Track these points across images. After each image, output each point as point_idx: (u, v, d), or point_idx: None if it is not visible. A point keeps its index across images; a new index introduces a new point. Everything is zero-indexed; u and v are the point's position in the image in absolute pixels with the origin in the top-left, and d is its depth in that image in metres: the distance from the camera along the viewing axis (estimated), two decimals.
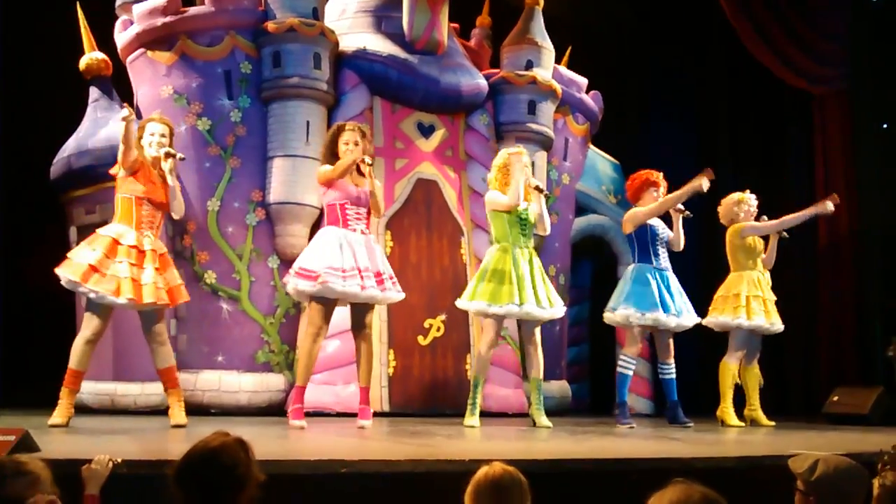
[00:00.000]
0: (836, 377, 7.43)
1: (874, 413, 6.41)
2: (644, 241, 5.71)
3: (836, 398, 6.75)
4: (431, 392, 6.17)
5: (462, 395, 6.25)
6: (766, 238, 6.19)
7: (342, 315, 5.74)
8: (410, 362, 6.14)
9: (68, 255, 4.51)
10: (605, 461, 3.29)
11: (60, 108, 6.46)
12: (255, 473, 2.10)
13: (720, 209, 6.29)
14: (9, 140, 6.37)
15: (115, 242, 4.45)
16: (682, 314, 5.58)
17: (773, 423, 5.94)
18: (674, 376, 5.70)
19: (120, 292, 4.35)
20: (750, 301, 5.94)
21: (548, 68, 7.03)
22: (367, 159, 4.73)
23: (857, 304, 7.76)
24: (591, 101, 7.51)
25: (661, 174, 5.89)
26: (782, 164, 8.50)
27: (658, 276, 5.63)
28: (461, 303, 5.33)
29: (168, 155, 4.60)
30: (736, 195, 6.23)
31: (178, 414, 4.52)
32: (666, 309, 5.52)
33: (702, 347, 7.33)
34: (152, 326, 4.59)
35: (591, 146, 7.75)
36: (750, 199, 6.19)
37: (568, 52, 7.67)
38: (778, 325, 6.04)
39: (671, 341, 5.70)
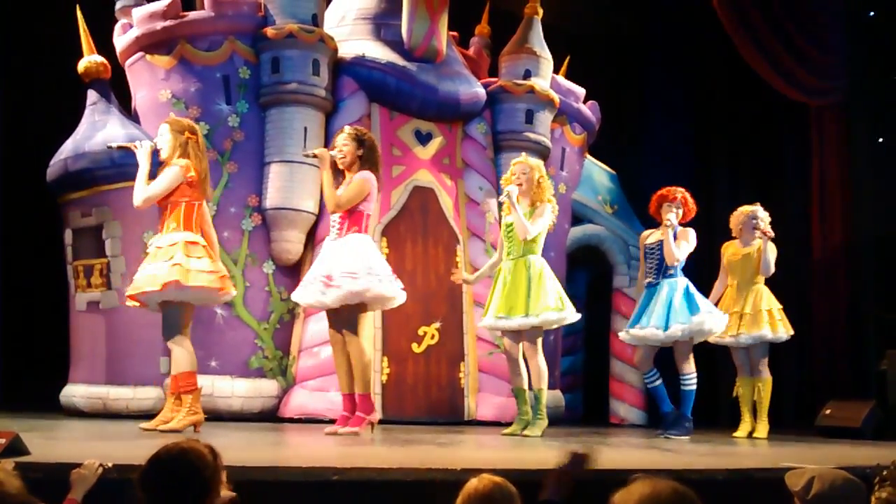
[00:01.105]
0: (829, 390, 7.43)
1: (866, 427, 6.41)
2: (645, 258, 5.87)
3: (828, 411, 6.75)
4: (425, 400, 6.17)
5: (455, 403, 6.25)
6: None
7: None
8: (404, 369, 6.13)
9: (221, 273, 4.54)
10: (597, 472, 3.28)
11: (58, 110, 6.46)
12: (223, 480, 2.09)
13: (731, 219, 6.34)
14: (7, 142, 6.37)
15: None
16: (667, 327, 5.56)
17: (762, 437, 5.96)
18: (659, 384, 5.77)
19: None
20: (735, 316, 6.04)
21: (546, 78, 7.05)
22: (309, 152, 4.86)
23: (850, 317, 7.77)
24: (589, 111, 7.53)
25: (681, 189, 5.90)
26: (778, 175, 8.53)
27: (648, 292, 5.78)
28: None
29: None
30: (748, 208, 6.26)
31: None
32: (645, 323, 5.63)
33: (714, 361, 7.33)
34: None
35: (588, 156, 7.77)
36: (761, 214, 6.19)
37: (566, 62, 7.70)
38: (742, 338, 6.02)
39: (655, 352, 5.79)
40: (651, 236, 5.89)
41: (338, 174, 4.76)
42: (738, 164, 8.69)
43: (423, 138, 6.58)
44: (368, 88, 6.32)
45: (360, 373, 4.60)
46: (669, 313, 5.59)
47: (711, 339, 6.04)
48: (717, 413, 7.81)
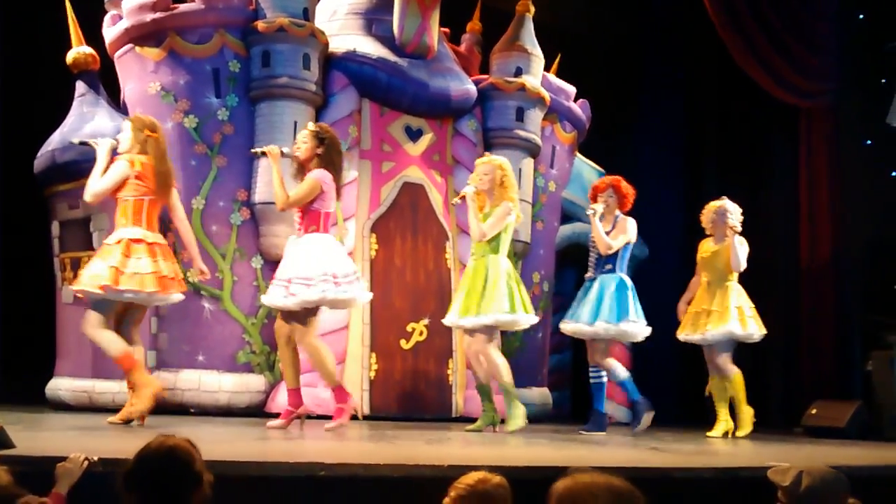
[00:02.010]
0: (816, 390, 7.48)
1: (851, 427, 6.45)
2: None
3: (814, 411, 6.80)
4: (412, 396, 6.16)
5: (443, 399, 6.26)
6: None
7: (323, 317, 5.73)
8: (392, 366, 6.12)
9: (171, 274, 4.52)
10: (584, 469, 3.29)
11: (46, 101, 6.42)
12: (206, 472, 2.10)
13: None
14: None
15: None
16: (593, 322, 5.51)
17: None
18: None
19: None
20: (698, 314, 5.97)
21: (537, 76, 7.05)
22: (258, 149, 4.90)
23: (837, 317, 7.82)
24: (580, 109, 7.54)
25: (614, 178, 5.84)
26: (768, 175, 8.57)
27: (584, 287, 5.73)
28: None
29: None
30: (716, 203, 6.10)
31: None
32: (577, 318, 5.59)
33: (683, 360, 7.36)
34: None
35: (578, 154, 7.78)
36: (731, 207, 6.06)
37: (557, 60, 7.70)
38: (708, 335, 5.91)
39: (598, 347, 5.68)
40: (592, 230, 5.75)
41: (301, 171, 4.76)
42: (728, 165, 8.72)
43: (414, 134, 6.57)
44: (359, 83, 6.30)
45: (321, 369, 4.66)
46: (598, 310, 5.51)
47: (681, 337, 5.99)
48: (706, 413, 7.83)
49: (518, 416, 5.12)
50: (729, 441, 5.70)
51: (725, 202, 6.00)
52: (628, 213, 5.75)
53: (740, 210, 6.00)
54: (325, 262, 4.58)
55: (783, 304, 8.11)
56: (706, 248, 6.07)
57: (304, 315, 4.61)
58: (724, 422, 5.91)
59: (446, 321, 5.41)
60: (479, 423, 5.29)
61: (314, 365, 4.70)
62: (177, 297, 4.62)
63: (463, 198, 5.24)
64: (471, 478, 2.11)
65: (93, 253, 5.79)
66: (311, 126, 4.84)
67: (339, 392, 4.67)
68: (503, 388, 5.18)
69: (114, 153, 4.64)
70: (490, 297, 5.06)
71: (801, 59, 7.95)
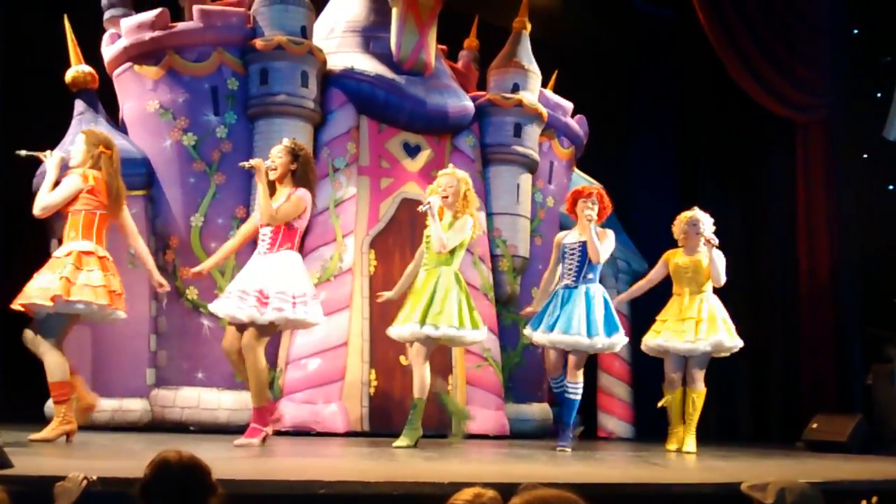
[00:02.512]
0: (816, 404, 7.46)
1: (852, 441, 6.43)
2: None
3: (814, 425, 6.77)
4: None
5: (442, 416, 6.24)
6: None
7: (323, 333, 5.74)
8: (391, 382, 6.11)
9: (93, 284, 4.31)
10: (585, 485, 3.28)
11: (46, 119, 6.43)
12: (219, 486, 2.14)
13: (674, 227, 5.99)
14: None
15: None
16: (568, 332, 5.25)
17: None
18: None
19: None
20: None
21: (534, 91, 7.09)
22: (245, 163, 4.82)
23: (836, 330, 7.81)
24: (577, 125, 7.57)
25: (597, 186, 5.76)
26: (764, 188, 8.58)
27: (564, 294, 5.39)
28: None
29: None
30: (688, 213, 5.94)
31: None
32: (553, 325, 5.29)
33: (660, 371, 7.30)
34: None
35: (576, 170, 7.80)
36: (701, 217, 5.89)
37: (554, 76, 7.74)
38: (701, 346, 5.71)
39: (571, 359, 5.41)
40: (569, 236, 5.53)
41: (272, 186, 4.69)
42: (724, 178, 8.74)
43: (412, 151, 6.59)
44: (357, 101, 6.33)
45: (254, 383, 4.48)
46: (590, 321, 5.26)
47: (659, 343, 5.73)
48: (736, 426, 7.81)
49: (409, 437, 4.89)
50: (729, 456, 5.67)
51: (696, 212, 5.87)
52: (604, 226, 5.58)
53: (712, 220, 5.86)
54: (305, 282, 4.62)
55: (781, 318, 8.10)
56: (680, 259, 5.86)
57: (269, 329, 4.54)
58: (679, 434, 5.71)
59: (390, 332, 5.15)
60: (455, 430, 5.19)
61: (251, 378, 4.50)
62: (121, 314, 4.48)
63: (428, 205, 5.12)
64: (466, 494, 2.10)
65: None
66: (286, 142, 4.77)
67: (261, 413, 4.53)
68: (416, 403, 4.98)
69: (63, 167, 4.57)
70: (440, 308, 4.88)
71: (795, 72, 7.99)
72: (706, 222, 5.82)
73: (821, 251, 7.95)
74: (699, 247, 5.78)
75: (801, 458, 5.51)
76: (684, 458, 5.17)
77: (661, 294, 6.07)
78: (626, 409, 7.49)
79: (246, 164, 4.84)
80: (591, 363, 7.64)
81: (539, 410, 7.01)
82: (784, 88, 8.02)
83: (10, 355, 6.54)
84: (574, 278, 5.39)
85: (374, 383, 6.04)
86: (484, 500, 2.10)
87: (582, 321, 5.22)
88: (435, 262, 5.05)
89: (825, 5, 8.09)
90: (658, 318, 5.88)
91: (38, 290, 4.25)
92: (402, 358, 6.16)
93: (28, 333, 4.37)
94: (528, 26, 7.20)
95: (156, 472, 2.08)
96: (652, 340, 5.82)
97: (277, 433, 5.69)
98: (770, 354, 6.46)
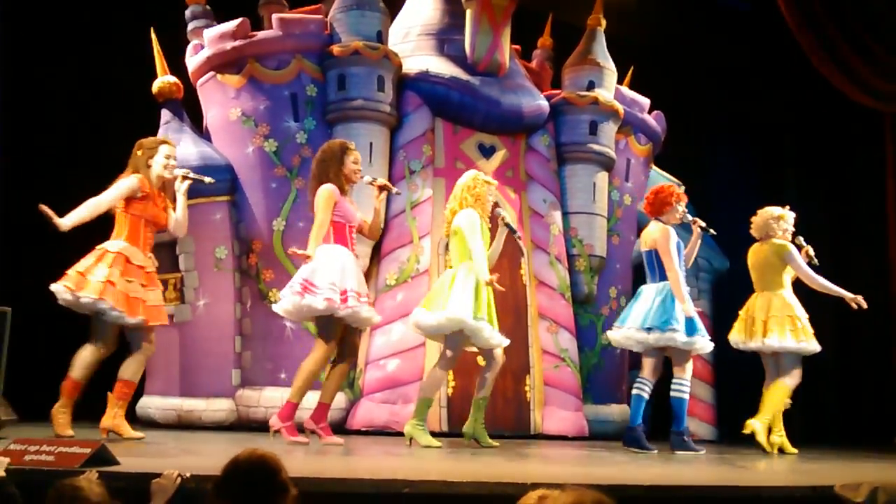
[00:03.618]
0: None
1: None
2: (659, 261, 5.36)
3: None
4: (490, 413, 6.12)
5: (521, 416, 6.23)
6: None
7: (401, 334, 5.80)
8: (470, 383, 6.11)
9: (80, 270, 4.40)
10: (669, 488, 3.24)
11: (134, 129, 6.66)
12: (292, 486, 2.16)
13: (755, 220, 5.97)
14: (87, 161, 6.57)
15: (128, 261, 4.49)
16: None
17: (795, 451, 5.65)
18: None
19: (136, 313, 4.41)
20: (791, 321, 5.65)
21: (610, 89, 7.01)
22: (396, 189, 5.03)
23: None
24: (654, 121, 7.45)
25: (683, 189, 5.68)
26: (851, 185, 8.29)
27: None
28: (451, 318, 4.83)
29: (185, 178, 4.77)
30: (776, 210, 5.92)
31: (126, 427, 4.51)
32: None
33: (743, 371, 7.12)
34: (141, 340, 4.57)
35: (654, 167, 7.68)
36: (789, 217, 5.90)
37: (630, 71, 7.63)
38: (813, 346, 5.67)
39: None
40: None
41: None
42: (808, 175, 8.48)
43: (487, 151, 6.60)
44: (432, 103, 6.37)
45: (297, 377, 4.73)
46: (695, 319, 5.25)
47: (773, 344, 5.61)
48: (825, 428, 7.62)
49: (418, 432, 4.84)
50: (822, 458, 5.51)
51: (788, 210, 5.89)
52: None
53: (793, 215, 5.90)
54: (313, 272, 4.77)
55: (872, 317, 7.81)
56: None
57: (318, 323, 4.83)
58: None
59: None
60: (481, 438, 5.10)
61: (341, 379, 4.87)
62: (130, 320, 4.52)
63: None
64: (569, 496, 2.06)
65: (179, 275, 6.01)
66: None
67: (288, 408, 4.72)
68: (480, 403, 5.03)
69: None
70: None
71: (881, 59, 7.68)
72: (790, 223, 5.83)
73: None
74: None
75: (893, 461, 5.30)
76: (773, 460, 5.03)
77: (743, 291, 5.93)
78: (709, 410, 7.34)
79: (379, 182, 4.91)
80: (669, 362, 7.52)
81: (619, 411, 6.92)
82: (870, 77, 7.72)
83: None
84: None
85: (452, 383, 6.07)
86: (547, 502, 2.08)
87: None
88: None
89: None
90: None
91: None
92: (479, 359, 6.17)
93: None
94: (603, 23, 7.12)
95: (226, 470, 2.14)
96: (763, 338, 5.71)
97: (358, 432, 5.79)
98: (860, 354, 6.24)
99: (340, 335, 4.75)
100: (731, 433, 6.71)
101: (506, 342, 5.05)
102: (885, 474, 3.68)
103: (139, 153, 4.69)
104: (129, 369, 4.52)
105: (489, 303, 4.90)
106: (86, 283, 4.35)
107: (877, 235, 7.90)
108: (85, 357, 4.45)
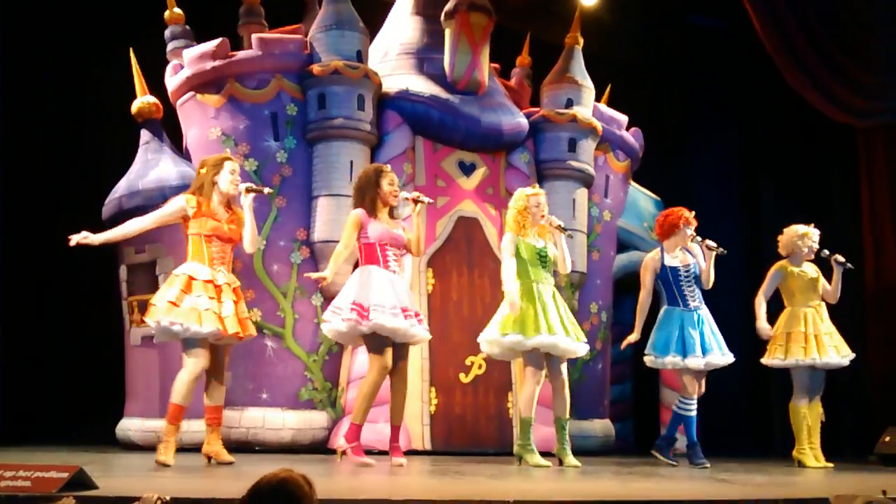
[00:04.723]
0: (887, 418, 7.24)
1: None
2: (668, 283, 5.49)
3: (887, 439, 6.59)
4: (473, 430, 6.15)
5: (503, 433, 6.23)
6: (829, 270, 6.03)
7: None
8: (452, 400, 6.13)
9: (151, 301, 4.45)
10: (652, 503, 3.25)
11: (113, 150, 6.65)
12: None
13: (781, 238, 6.12)
14: (64, 181, 6.56)
15: (191, 279, 4.42)
16: (708, 353, 5.35)
17: (830, 465, 5.78)
18: (693, 414, 5.42)
19: (202, 321, 4.35)
20: (809, 338, 5.84)
21: (588, 106, 7.08)
22: (428, 199, 4.95)
23: None
24: (632, 137, 7.53)
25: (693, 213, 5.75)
26: (827, 198, 8.40)
27: (684, 318, 5.41)
28: (488, 340, 5.05)
29: (249, 190, 4.65)
30: (801, 228, 6.05)
31: (224, 452, 4.54)
32: (688, 351, 5.33)
33: (774, 388, 7.19)
34: (222, 360, 4.58)
35: (633, 183, 7.75)
36: (813, 234, 6.03)
37: (608, 89, 7.72)
38: (836, 359, 5.89)
39: (702, 381, 5.49)
40: (668, 258, 5.48)
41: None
42: (786, 187, 8.58)
43: (467, 169, 6.64)
44: (412, 122, 6.41)
45: (356, 398, 4.74)
46: (716, 340, 5.44)
47: (804, 363, 5.85)
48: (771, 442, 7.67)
49: (529, 454, 5.01)
50: (802, 470, 5.56)
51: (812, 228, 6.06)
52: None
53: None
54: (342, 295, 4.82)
55: (850, 332, 7.89)
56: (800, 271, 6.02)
57: (366, 344, 4.78)
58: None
59: (557, 338, 4.99)
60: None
61: (403, 397, 4.83)
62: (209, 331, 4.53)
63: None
64: None
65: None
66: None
67: (352, 429, 4.72)
68: (563, 422, 5.15)
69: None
70: (577, 325, 5.12)
71: (854, 77, 7.81)
72: (815, 240, 6.01)
73: (888, 260, 7.75)
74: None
75: (874, 472, 5.35)
76: (752, 472, 5.06)
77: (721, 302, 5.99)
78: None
79: (412, 196, 4.90)
80: (654, 378, 7.56)
81: (601, 427, 6.95)
82: (843, 93, 7.86)
83: (79, 379, 6.76)
84: (699, 299, 5.50)
85: (435, 401, 6.07)
86: None
87: (717, 342, 5.42)
88: (550, 279, 5.16)
89: (879, 4, 7.91)
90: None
91: (156, 310, 4.40)
92: (461, 375, 6.19)
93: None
94: (581, 41, 7.20)
95: (251, 492, 2.11)
96: (798, 356, 5.91)
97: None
98: (839, 369, 6.30)
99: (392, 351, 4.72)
100: (712, 447, 6.73)
101: (584, 348, 5.11)
102: (870, 487, 3.71)
103: (203, 171, 4.61)
104: (213, 396, 4.64)
105: (545, 311, 4.96)
106: (154, 309, 4.39)
107: (853, 245, 7.99)
108: (181, 378, 4.45)
